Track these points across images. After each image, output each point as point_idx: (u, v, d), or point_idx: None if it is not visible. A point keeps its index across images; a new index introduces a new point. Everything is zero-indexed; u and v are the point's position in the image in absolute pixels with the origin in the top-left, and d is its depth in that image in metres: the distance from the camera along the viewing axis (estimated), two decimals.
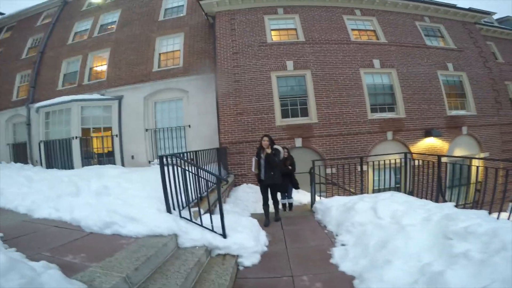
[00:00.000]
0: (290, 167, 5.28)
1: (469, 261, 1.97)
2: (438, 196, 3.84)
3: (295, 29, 8.47)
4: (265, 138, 4.18)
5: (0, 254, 1.41)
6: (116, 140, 9.02)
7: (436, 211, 2.56)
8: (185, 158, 3.14)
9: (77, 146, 8.56)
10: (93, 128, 9.04)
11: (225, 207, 4.82)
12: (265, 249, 3.20)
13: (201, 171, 3.15)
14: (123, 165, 8.66)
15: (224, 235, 2.84)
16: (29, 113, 10.47)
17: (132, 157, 8.90)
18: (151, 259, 2.17)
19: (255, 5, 8.46)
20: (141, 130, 8.86)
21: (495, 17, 13.95)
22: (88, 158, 8.72)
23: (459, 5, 9.95)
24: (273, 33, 8.44)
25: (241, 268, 2.78)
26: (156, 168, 5.19)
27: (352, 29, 8.70)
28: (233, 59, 7.91)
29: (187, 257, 2.50)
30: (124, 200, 3.09)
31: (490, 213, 2.64)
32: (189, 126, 8.59)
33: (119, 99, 9.16)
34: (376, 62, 8.33)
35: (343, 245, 3.09)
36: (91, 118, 8.94)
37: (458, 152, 8.35)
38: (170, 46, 9.58)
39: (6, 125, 11.34)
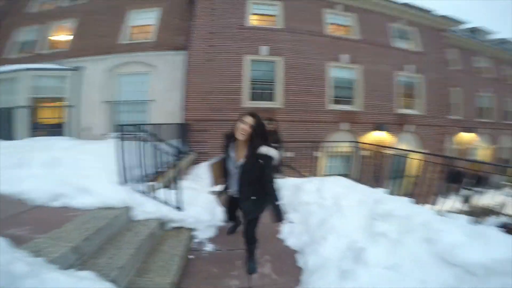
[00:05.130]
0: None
1: (387, 239, 2.34)
2: (377, 183, 4.37)
3: (275, 16, 8.50)
4: (249, 119, 1.96)
5: None
6: (70, 111, 8.37)
7: (370, 195, 2.97)
8: (145, 130, 3.10)
9: (23, 116, 7.77)
10: (45, 97, 8.32)
11: (184, 183, 4.86)
12: (221, 224, 3.34)
13: (161, 145, 3.15)
14: (75, 137, 8.10)
15: (179, 209, 2.94)
16: None
17: (85, 129, 8.38)
18: (101, 230, 2.21)
19: None
20: (99, 102, 8.35)
21: (469, 26, 14.57)
22: (36, 129, 7.94)
23: (436, 12, 10.45)
24: (253, 17, 8.36)
25: (196, 240, 2.92)
26: (113, 141, 5.00)
27: (330, 23, 8.95)
28: (209, 38, 7.75)
29: (139, 229, 2.55)
30: (76, 171, 2.99)
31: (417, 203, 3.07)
32: (153, 101, 8.28)
33: (79, 69, 8.52)
34: (345, 57, 8.72)
35: (290, 222, 3.40)
36: (43, 88, 8.22)
37: (403, 147, 9.32)
38: (144, 20, 9.00)
39: None
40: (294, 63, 8.16)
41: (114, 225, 2.42)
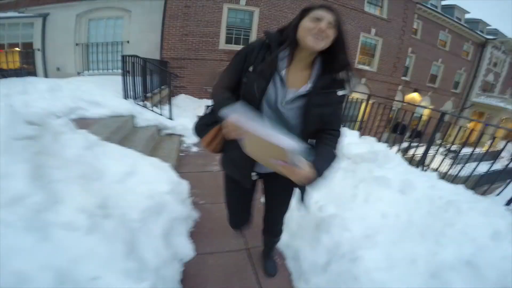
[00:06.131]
0: None
1: None
2: None
3: None
4: (327, 15, 0.86)
5: None
6: (38, 54, 8.39)
7: None
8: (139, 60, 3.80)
9: None
10: (9, 43, 8.24)
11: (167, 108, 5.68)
12: None
13: (152, 71, 3.89)
14: (47, 77, 8.16)
15: (171, 119, 3.83)
16: None
17: (58, 69, 8.50)
18: (118, 130, 2.89)
19: None
20: (70, 44, 8.38)
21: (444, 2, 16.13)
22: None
23: None
24: None
25: (185, 144, 3.85)
26: (91, 77, 5.47)
27: None
28: None
29: (143, 131, 3.39)
30: (83, 91, 3.59)
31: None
32: (128, 42, 8.46)
33: (44, 16, 8.27)
34: None
35: None
36: (5, 36, 8.18)
37: (355, 94, 10.72)
38: None
39: None
40: (269, 14, 8.86)
41: (124, 127, 3.16)
